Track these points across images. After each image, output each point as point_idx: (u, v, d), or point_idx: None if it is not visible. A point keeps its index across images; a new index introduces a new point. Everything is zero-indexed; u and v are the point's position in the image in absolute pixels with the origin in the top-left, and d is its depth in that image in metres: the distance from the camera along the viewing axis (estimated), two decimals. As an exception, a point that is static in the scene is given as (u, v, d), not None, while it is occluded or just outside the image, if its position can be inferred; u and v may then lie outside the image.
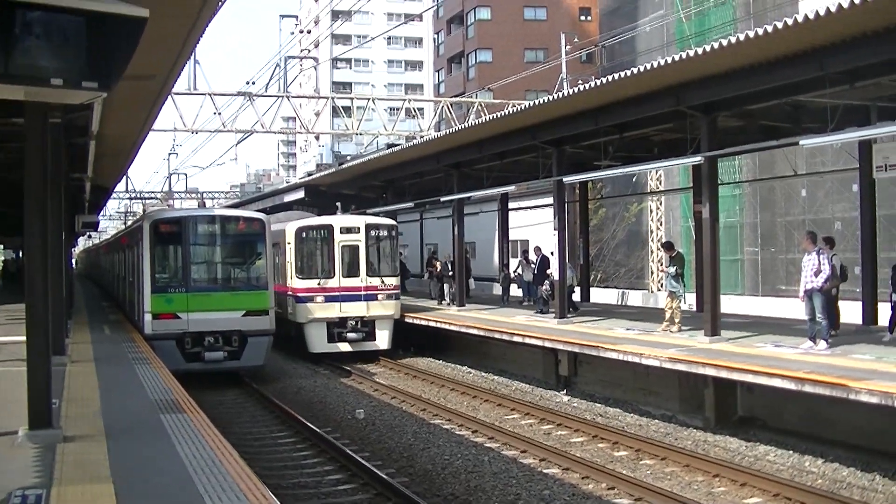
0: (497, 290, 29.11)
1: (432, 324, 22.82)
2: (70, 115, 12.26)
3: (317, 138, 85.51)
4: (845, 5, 10.06)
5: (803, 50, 12.23)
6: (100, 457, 7.71)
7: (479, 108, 33.54)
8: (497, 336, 19.65)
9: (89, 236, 72.75)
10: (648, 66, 13.63)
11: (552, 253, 20.82)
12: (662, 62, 13.31)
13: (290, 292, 23.25)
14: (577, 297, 23.32)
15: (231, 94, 29.73)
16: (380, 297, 23.17)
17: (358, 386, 19.75)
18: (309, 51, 44.45)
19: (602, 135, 18.22)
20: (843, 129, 13.71)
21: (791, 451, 12.32)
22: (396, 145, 30.09)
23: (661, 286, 26.20)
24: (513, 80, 39.95)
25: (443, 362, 23.00)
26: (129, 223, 44.97)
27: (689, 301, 19.61)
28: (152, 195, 60.00)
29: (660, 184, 34.43)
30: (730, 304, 21.43)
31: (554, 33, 44.17)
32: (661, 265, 24.14)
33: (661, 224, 35.38)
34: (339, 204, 25.76)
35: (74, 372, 13.09)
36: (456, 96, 48.87)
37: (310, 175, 40.71)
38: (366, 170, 29.30)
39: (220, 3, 8.50)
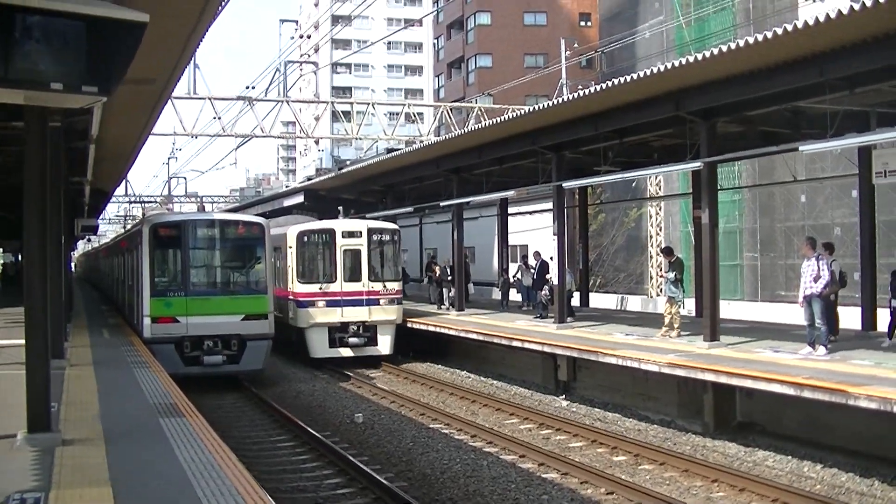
0: (496, 294, 29.11)
1: (431, 328, 22.79)
2: (70, 118, 12.26)
3: (316, 143, 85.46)
4: (845, 12, 10.08)
5: (803, 56, 12.25)
6: (98, 460, 7.71)
7: (479, 113, 33.57)
8: (496, 341, 19.65)
9: (88, 240, 72.86)
10: (648, 72, 13.63)
11: (551, 258, 20.84)
12: (662, 68, 13.32)
13: (291, 296, 23.18)
14: (576, 301, 23.32)
15: (231, 99, 29.79)
16: (382, 301, 23.07)
17: (357, 390, 19.73)
18: (309, 55, 44.41)
19: (602, 140, 18.25)
20: (843, 134, 13.71)
21: (790, 457, 12.33)
22: (396, 150, 30.07)
23: (661, 291, 26.14)
24: (513, 85, 40.05)
25: (442, 367, 22.97)
26: (129, 227, 44.96)
27: (689, 306, 19.59)
28: (152, 199, 60.02)
29: (659, 189, 34.39)
30: (729, 309, 21.45)
31: (554, 39, 44.16)
32: (661, 270, 24.16)
33: (660, 229, 35.33)
34: (340, 208, 25.78)
35: (73, 375, 13.07)
36: (456, 101, 48.91)
37: (309, 179, 40.65)
38: (365, 174, 29.30)
39: (219, 8, 8.53)
